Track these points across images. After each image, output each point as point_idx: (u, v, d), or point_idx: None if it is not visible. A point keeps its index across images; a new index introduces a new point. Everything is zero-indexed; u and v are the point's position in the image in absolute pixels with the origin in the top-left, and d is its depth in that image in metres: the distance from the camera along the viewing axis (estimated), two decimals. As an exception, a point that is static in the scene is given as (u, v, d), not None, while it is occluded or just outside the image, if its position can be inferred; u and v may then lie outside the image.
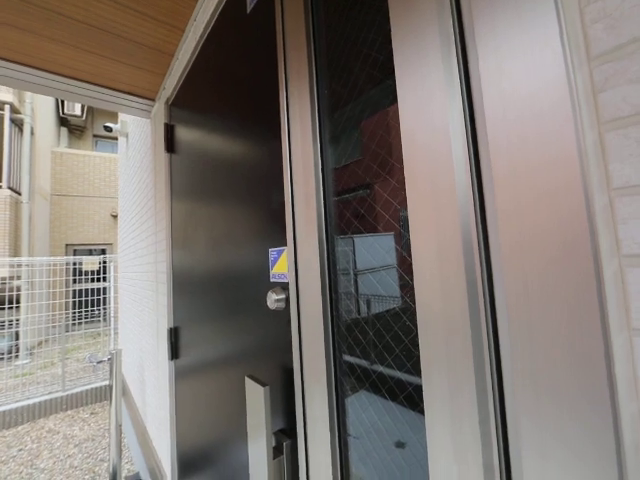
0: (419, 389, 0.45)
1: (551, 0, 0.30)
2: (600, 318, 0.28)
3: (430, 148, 0.40)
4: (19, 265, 5.06)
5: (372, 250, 0.54)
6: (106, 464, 2.58)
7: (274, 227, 0.76)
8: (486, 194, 0.36)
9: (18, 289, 4.92)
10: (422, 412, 0.42)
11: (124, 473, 2.43)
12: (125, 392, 3.15)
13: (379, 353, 0.52)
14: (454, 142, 0.38)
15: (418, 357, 0.43)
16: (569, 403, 0.29)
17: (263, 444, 0.65)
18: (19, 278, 5.09)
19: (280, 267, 0.71)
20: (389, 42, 0.47)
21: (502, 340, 0.34)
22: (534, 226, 0.31)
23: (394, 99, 0.46)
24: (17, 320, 4.62)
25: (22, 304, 4.89)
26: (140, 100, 1.85)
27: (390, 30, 0.46)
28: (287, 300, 0.69)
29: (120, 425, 2.06)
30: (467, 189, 0.37)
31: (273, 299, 0.69)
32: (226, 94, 1.04)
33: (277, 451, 0.68)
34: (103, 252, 7.76)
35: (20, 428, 3.31)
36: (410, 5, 0.43)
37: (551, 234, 0.30)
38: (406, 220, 0.44)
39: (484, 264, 0.35)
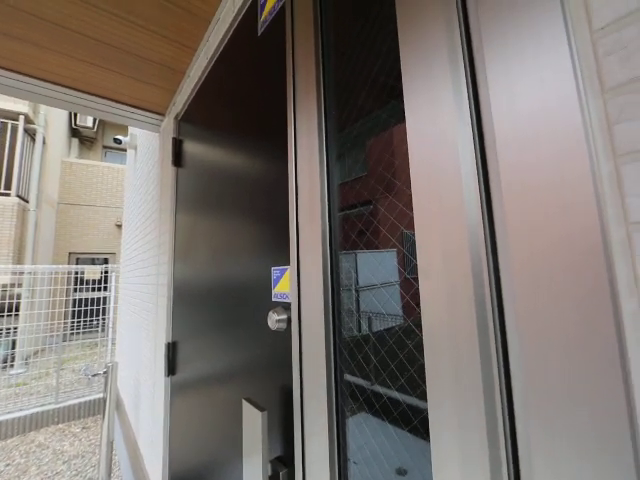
0: (424, 415, 0.43)
1: (563, 33, 0.30)
2: (619, 354, 0.26)
3: (438, 169, 0.40)
4: (21, 273, 5.07)
5: (377, 268, 0.53)
6: (95, 483, 2.48)
7: (277, 246, 0.75)
8: (495, 214, 0.35)
9: (18, 297, 4.91)
10: (427, 439, 0.39)
11: (113, 493, 2.34)
12: (119, 406, 3.08)
13: (383, 378, 0.50)
14: (463, 163, 0.37)
15: (424, 382, 0.41)
16: (587, 448, 0.27)
17: (258, 473, 0.62)
18: (20, 286, 5.09)
19: (282, 286, 0.70)
20: (398, 64, 0.47)
21: (513, 366, 0.32)
22: (546, 251, 0.30)
23: (401, 119, 0.47)
24: (15, 328, 4.58)
25: (21, 312, 4.86)
26: (150, 115, 1.89)
27: (399, 53, 0.47)
28: (289, 321, 0.68)
29: (112, 442, 2.00)
30: (476, 209, 0.36)
31: (274, 319, 0.68)
32: (234, 112, 1.06)
33: (273, 481, 0.64)
34: (106, 261, 7.77)
35: (9, 441, 3.22)
36: (419, 29, 0.44)
37: (564, 260, 0.29)
38: (412, 237, 0.43)
39: (493, 284, 0.34)
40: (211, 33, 1.25)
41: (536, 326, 0.31)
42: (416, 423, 0.44)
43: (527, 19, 0.32)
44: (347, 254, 0.58)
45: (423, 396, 0.41)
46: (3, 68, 1.42)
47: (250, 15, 0.99)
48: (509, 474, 0.32)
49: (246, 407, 0.69)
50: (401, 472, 0.46)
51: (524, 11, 0.33)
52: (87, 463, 2.79)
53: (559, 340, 0.29)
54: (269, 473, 0.66)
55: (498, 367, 0.34)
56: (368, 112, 0.56)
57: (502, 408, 0.33)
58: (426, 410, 0.40)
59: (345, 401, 0.55)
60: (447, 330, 0.38)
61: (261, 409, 0.64)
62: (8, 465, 2.80)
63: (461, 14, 0.39)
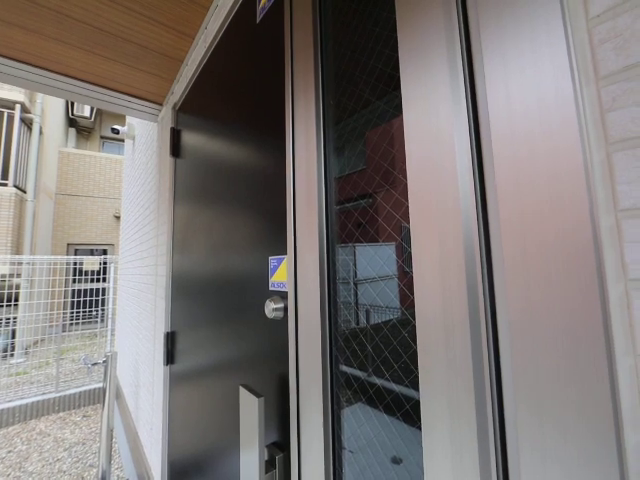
0: (417, 404, 0.44)
1: (559, 21, 0.30)
2: (605, 342, 0.27)
3: (434, 162, 0.40)
4: (20, 263, 5.07)
5: (373, 260, 0.54)
6: (95, 470, 2.53)
7: (275, 235, 0.75)
8: (490, 208, 0.35)
9: (17, 287, 4.92)
10: (421, 428, 0.40)
11: None
12: (119, 395, 3.11)
13: (377, 366, 0.50)
14: (459, 156, 0.38)
15: (417, 371, 0.42)
16: (573, 433, 0.28)
17: (255, 457, 0.63)
18: (19, 276, 5.09)
19: (279, 276, 0.71)
20: (396, 56, 0.47)
21: (503, 356, 0.33)
22: (537, 243, 0.31)
23: (399, 111, 0.46)
24: (14, 318, 4.60)
25: (20, 302, 4.88)
26: (148, 104, 1.87)
27: (397, 44, 0.46)
28: (285, 309, 0.68)
29: (112, 430, 2.03)
30: (470, 203, 0.36)
31: (271, 308, 0.68)
32: (233, 101, 1.05)
33: (269, 465, 0.66)
34: (104, 252, 7.77)
35: (11, 429, 3.27)
36: (417, 21, 0.43)
37: (555, 252, 0.29)
38: (408, 231, 0.44)
39: (486, 278, 0.35)
40: (209, 20, 1.23)
41: (526, 316, 0.31)
42: (411, 413, 0.45)
43: (525, 8, 0.32)
44: (343, 245, 0.58)
45: (416, 385, 0.42)
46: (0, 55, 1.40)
47: (249, 1, 0.97)
48: (497, 461, 0.33)
49: (243, 393, 0.70)
50: (396, 461, 0.47)
51: (523, 1, 0.33)
52: (88, 450, 2.83)
53: (547, 330, 0.30)
54: (265, 457, 0.67)
55: (489, 357, 0.34)
56: (366, 103, 0.56)
57: (492, 396, 0.34)
58: (418, 399, 0.41)
59: (340, 389, 0.56)
60: (440, 321, 0.38)
61: (258, 395, 0.65)
62: (10, 452, 2.85)
63: (460, 3, 0.39)
